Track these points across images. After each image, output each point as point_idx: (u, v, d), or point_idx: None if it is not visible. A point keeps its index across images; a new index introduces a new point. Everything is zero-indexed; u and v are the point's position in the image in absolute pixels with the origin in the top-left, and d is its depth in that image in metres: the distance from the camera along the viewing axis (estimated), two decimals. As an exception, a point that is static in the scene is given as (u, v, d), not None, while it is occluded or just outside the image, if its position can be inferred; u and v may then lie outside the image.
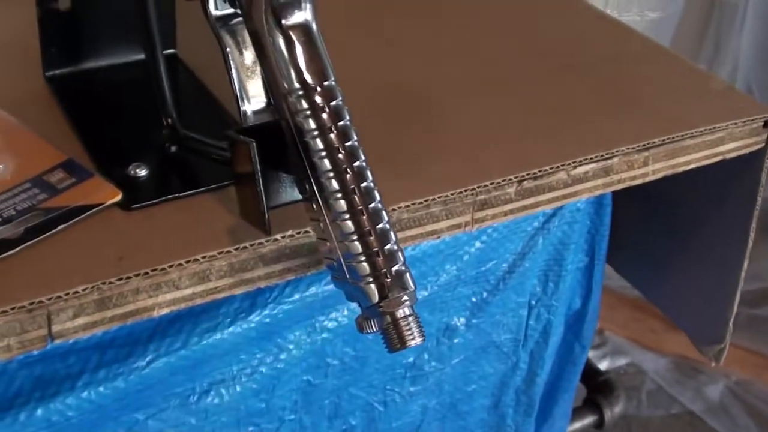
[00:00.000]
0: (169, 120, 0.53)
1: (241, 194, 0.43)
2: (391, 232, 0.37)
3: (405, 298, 0.36)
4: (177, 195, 0.50)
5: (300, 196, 0.41)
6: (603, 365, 1.55)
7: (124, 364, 0.52)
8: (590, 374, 0.89)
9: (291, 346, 0.57)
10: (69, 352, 0.51)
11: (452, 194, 0.51)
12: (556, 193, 0.55)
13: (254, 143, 0.39)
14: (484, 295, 0.65)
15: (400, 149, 0.55)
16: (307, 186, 0.38)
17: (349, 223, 0.36)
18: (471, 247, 0.62)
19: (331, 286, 0.56)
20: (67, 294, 0.44)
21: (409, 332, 0.36)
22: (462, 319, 0.65)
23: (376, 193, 0.37)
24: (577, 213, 0.67)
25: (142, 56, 0.60)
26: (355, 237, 0.36)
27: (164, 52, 0.54)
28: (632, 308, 1.56)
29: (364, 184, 0.37)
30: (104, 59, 0.60)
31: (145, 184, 0.50)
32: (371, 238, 0.36)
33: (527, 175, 0.54)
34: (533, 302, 0.68)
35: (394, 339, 0.36)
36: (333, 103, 0.37)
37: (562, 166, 0.55)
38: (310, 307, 0.57)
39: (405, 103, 0.61)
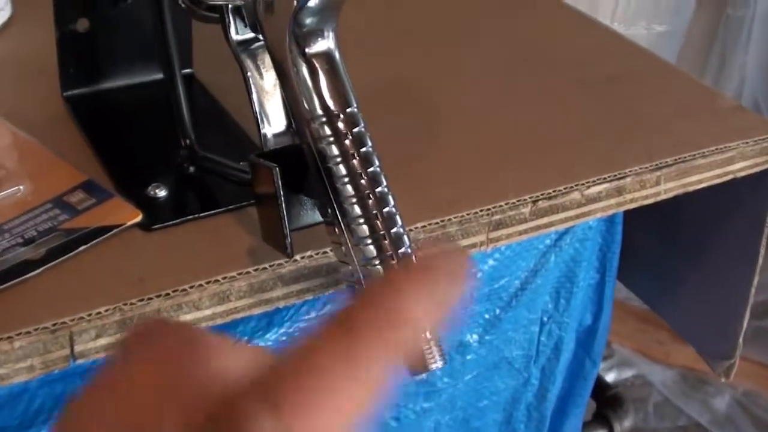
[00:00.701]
0: (187, 141, 0.54)
1: (262, 217, 0.43)
2: (414, 257, 0.37)
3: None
4: (196, 216, 0.50)
5: (320, 219, 0.42)
6: (610, 377, 1.56)
7: (142, 382, 0.52)
8: (600, 389, 0.89)
9: (306, 364, 0.58)
10: (88, 371, 0.52)
11: (468, 214, 0.52)
12: (569, 212, 0.55)
13: (277, 168, 0.40)
14: (497, 311, 0.65)
15: (415, 168, 0.55)
16: (329, 210, 0.39)
17: (372, 247, 0.37)
18: (484, 264, 0.63)
19: (347, 305, 0.57)
20: (90, 315, 0.45)
21: (431, 356, 0.36)
22: (475, 336, 0.65)
23: (398, 218, 0.38)
24: (589, 230, 0.67)
25: (159, 76, 0.61)
26: (377, 261, 0.37)
27: (181, 71, 0.54)
28: (639, 320, 1.57)
29: (386, 209, 0.37)
30: (121, 79, 0.61)
31: (165, 205, 0.51)
32: (394, 263, 0.37)
33: (542, 195, 0.54)
34: (545, 319, 0.69)
35: (416, 363, 0.36)
36: (355, 130, 0.38)
37: (576, 186, 0.55)
38: (326, 325, 0.57)
39: (417, 122, 0.61)
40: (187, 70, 0.61)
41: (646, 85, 0.69)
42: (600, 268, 0.70)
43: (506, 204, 0.53)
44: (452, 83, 0.67)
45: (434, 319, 0.25)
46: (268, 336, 0.55)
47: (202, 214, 0.50)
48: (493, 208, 0.53)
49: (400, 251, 0.37)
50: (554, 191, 0.55)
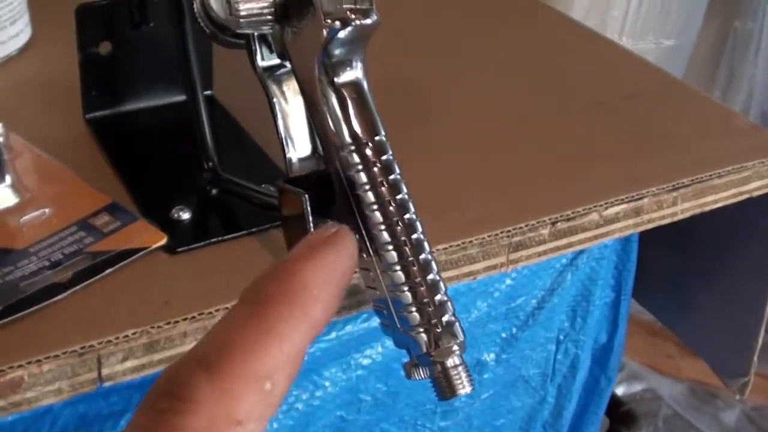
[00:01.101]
0: (210, 163, 0.54)
1: (290, 242, 0.44)
2: (441, 283, 0.38)
3: (455, 347, 0.37)
4: (220, 238, 0.51)
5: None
6: (619, 391, 1.56)
7: (165, 403, 0.53)
8: (612, 405, 0.89)
9: (327, 383, 0.58)
10: (111, 392, 0.52)
11: (489, 236, 0.52)
12: (588, 233, 0.56)
13: (306, 196, 0.40)
14: (514, 330, 0.66)
15: (433, 191, 0.56)
16: (357, 236, 0.39)
17: (400, 273, 0.37)
18: (502, 284, 0.63)
19: (366, 325, 0.58)
20: (117, 338, 0.45)
21: (459, 381, 0.37)
22: (492, 355, 0.66)
23: (426, 245, 0.38)
24: (605, 249, 0.68)
25: (180, 98, 0.61)
26: (406, 287, 0.37)
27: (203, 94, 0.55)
28: (648, 334, 1.57)
29: (414, 236, 0.38)
30: (143, 101, 0.61)
31: (189, 228, 0.52)
32: (422, 288, 0.37)
33: (560, 216, 0.55)
34: (561, 337, 0.69)
35: (444, 388, 0.37)
36: (384, 158, 0.38)
37: (594, 207, 0.56)
38: (346, 345, 0.58)
39: (431, 144, 0.62)
40: (208, 92, 0.62)
41: (661, 104, 0.69)
42: (615, 286, 0.71)
43: (526, 225, 0.54)
44: (464, 103, 0.67)
45: (328, 284, 0.33)
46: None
47: (225, 237, 0.51)
48: (513, 229, 0.53)
49: (428, 277, 0.37)
50: (573, 212, 0.55)
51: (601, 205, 0.56)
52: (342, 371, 0.59)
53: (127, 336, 0.45)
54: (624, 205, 0.57)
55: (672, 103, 0.70)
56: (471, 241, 0.52)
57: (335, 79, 0.39)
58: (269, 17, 0.42)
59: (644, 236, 0.70)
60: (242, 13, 0.42)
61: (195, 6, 0.50)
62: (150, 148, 0.59)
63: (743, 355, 0.74)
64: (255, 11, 0.42)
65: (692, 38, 1.55)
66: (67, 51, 0.68)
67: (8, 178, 0.52)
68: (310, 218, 0.40)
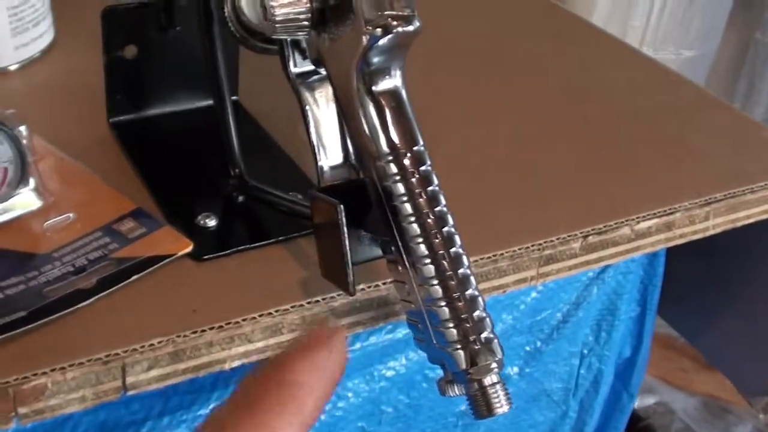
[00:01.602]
0: (237, 170, 0.53)
1: (323, 253, 0.43)
2: (480, 298, 0.37)
3: (494, 365, 0.36)
4: (247, 246, 0.50)
5: (379, 254, 0.41)
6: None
7: (188, 411, 0.52)
8: (631, 420, 0.88)
9: (350, 394, 0.58)
10: (133, 399, 0.51)
11: (519, 249, 0.52)
12: (619, 248, 0.55)
13: (341, 206, 0.39)
14: (538, 344, 0.65)
15: (463, 203, 0.54)
16: (392, 248, 0.38)
17: (438, 288, 0.37)
18: (527, 296, 0.62)
19: (391, 336, 0.57)
20: (143, 347, 0.44)
21: (497, 400, 0.36)
22: (515, 368, 0.65)
23: (465, 259, 0.37)
24: (632, 263, 0.67)
25: (205, 103, 0.61)
26: (443, 302, 0.36)
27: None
28: (662, 347, 1.56)
29: (453, 250, 0.37)
30: (168, 106, 0.61)
31: (215, 235, 0.51)
32: (460, 303, 0.36)
33: (592, 230, 0.54)
34: (585, 351, 0.68)
35: (482, 406, 0.36)
36: (422, 168, 0.38)
37: (626, 221, 0.55)
38: (370, 356, 0.57)
39: (461, 156, 0.61)
40: (234, 97, 0.61)
41: (692, 117, 0.68)
42: (641, 300, 0.70)
43: (557, 239, 0.53)
44: (492, 115, 0.66)
45: (320, 383, 0.34)
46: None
47: (252, 245, 0.50)
48: (544, 242, 0.52)
49: (466, 292, 0.37)
50: (604, 226, 0.54)
51: (633, 219, 0.55)
52: (365, 382, 0.58)
53: (152, 345, 0.44)
54: (656, 220, 0.56)
55: (702, 115, 0.69)
56: (501, 254, 0.51)
57: (373, 88, 0.38)
58: (306, 23, 0.41)
59: (670, 250, 0.69)
60: (278, 19, 0.41)
61: (225, 10, 0.50)
62: (175, 154, 0.58)
63: (766, 371, 0.73)
64: (291, 17, 0.41)
65: (712, 49, 1.53)
66: (90, 53, 0.67)
67: (32, 182, 0.51)
68: (345, 229, 0.39)
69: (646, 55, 0.80)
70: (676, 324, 0.79)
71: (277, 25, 0.41)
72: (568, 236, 0.53)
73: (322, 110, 0.46)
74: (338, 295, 0.47)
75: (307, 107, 0.46)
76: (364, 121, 0.38)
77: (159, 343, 0.44)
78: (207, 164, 0.56)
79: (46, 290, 0.46)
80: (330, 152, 0.45)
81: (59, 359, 0.43)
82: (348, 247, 0.40)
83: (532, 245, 0.52)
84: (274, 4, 0.41)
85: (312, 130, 0.45)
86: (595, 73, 0.74)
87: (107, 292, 0.47)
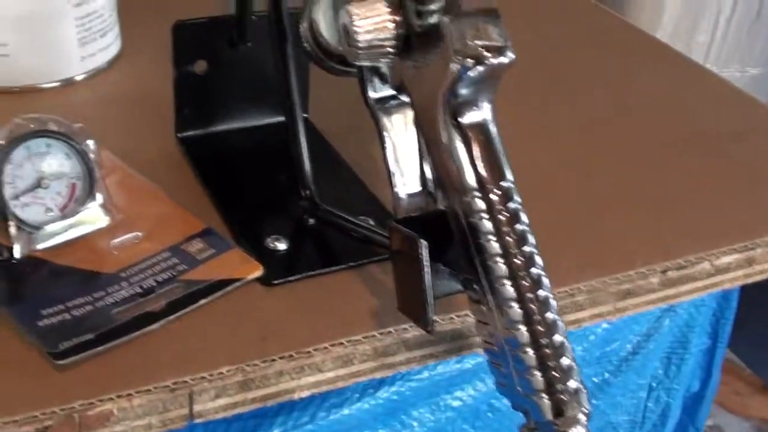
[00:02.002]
0: (307, 191, 0.52)
1: (400, 286, 0.41)
2: (567, 345, 0.36)
3: (581, 417, 0.34)
4: (318, 272, 0.49)
5: (459, 288, 0.40)
6: (686, 427, 1.52)
7: (251, 437, 0.51)
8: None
9: (414, 424, 0.56)
10: (196, 424, 0.50)
11: (596, 283, 0.50)
12: (698, 283, 0.53)
13: (423, 241, 0.38)
14: (606, 376, 0.63)
15: (542, 234, 0.53)
16: (475, 286, 0.37)
17: (525, 332, 0.35)
18: (597, 327, 0.60)
19: (459, 366, 0.55)
20: (212, 375, 0.43)
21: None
22: (582, 400, 0.63)
23: (553, 302, 0.36)
24: (706, 296, 0.64)
25: (274, 119, 0.60)
26: (529, 348, 0.35)
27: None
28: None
29: (541, 293, 0.35)
30: (236, 122, 0.60)
31: (285, 259, 0.50)
32: (547, 351, 0.35)
33: (671, 265, 0.52)
34: (654, 384, 0.66)
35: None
36: (511, 205, 0.36)
37: (706, 256, 0.53)
38: (437, 385, 0.55)
39: (530, 186, 0.59)
40: (304, 115, 0.60)
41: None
42: (712, 333, 0.68)
43: (635, 273, 0.51)
44: (557, 139, 0.64)
45: None
46: (379, 394, 0.53)
47: (323, 270, 0.49)
48: (622, 277, 0.51)
49: (554, 338, 0.35)
50: (685, 261, 0.52)
51: (713, 254, 0.53)
52: (431, 412, 0.56)
53: (221, 373, 0.43)
54: (736, 255, 0.54)
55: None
56: (579, 288, 0.49)
57: (460, 119, 0.37)
58: (391, 50, 0.40)
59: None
60: (362, 45, 0.40)
61: (301, 29, 0.49)
62: (243, 171, 0.57)
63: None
64: (375, 43, 0.40)
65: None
66: (156, 66, 0.66)
67: (100, 198, 0.51)
68: (425, 265, 0.38)
69: (716, 75, 0.78)
70: (745, 357, 0.76)
71: (360, 52, 0.40)
72: (647, 271, 0.51)
73: (401, 136, 0.44)
74: (411, 326, 0.46)
75: (385, 133, 0.44)
76: (449, 153, 0.37)
77: (228, 371, 0.43)
78: (276, 183, 0.55)
79: (113, 312, 0.45)
80: (407, 180, 0.44)
81: (126, 385, 0.43)
82: (428, 284, 0.38)
83: (610, 279, 0.50)
84: (357, 29, 0.40)
85: (389, 156, 0.44)
86: (664, 95, 0.72)
87: (176, 315, 0.46)
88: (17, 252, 0.48)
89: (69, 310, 0.45)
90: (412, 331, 0.46)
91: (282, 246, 0.50)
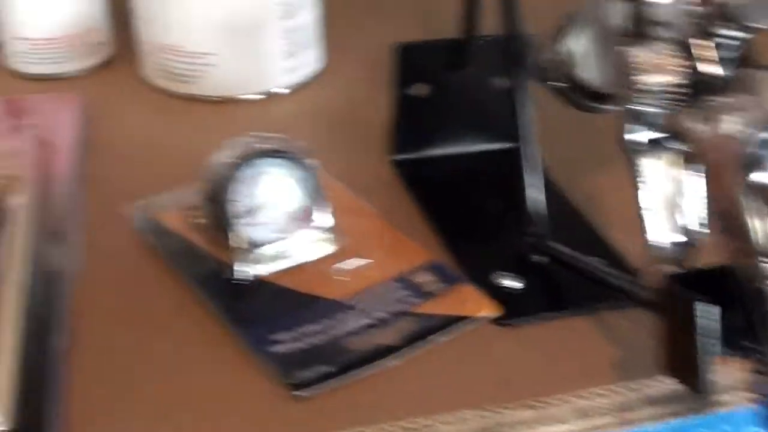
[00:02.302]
0: (535, 227, 0.50)
1: (667, 343, 0.39)
2: None
3: None
4: (554, 314, 0.47)
5: (734, 353, 0.37)
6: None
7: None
8: None
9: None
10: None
11: None
12: None
13: (699, 305, 0.36)
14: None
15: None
16: (759, 357, 0.35)
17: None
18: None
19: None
20: (449, 418, 0.42)
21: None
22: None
23: None
24: None
25: (492, 146, 0.58)
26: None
27: (514, 145, 0.51)
28: None
29: None
30: (454, 147, 0.58)
31: (518, 298, 0.48)
32: None
33: None
34: None
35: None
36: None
37: None
38: None
39: None
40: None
41: None
42: None
43: None
44: None
45: None
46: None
47: (559, 313, 0.47)
48: None
49: None
50: None
51: None
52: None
53: (461, 417, 0.42)
54: None
55: None
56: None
57: (759, 179, 0.34)
58: (675, 97, 0.38)
59: None
60: (642, 89, 0.38)
61: (546, 58, 0.47)
62: (460, 199, 0.56)
63: None
64: (658, 88, 0.38)
65: None
66: (358, 83, 0.66)
67: (326, 219, 0.50)
68: (704, 329, 0.36)
69: None
70: None
71: (638, 95, 0.38)
72: None
73: (658, 183, 0.42)
74: (655, 380, 0.44)
75: (641, 176, 0.42)
76: (742, 214, 0.35)
77: (468, 415, 0.42)
78: (499, 215, 0.54)
79: (348, 342, 0.44)
80: (662, 227, 0.42)
81: (358, 420, 0.41)
82: (703, 349, 0.36)
83: None
84: (639, 71, 0.38)
85: (644, 201, 0.42)
86: None
87: (411, 350, 0.45)
88: (241, 272, 0.47)
89: (301, 337, 0.45)
90: (656, 386, 0.44)
91: (512, 283, 0.49)
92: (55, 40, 0.69)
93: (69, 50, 0.70)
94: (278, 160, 0.48)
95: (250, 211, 0.48)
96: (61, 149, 0.58)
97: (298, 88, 0.69)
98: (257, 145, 0.48)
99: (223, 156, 0.48)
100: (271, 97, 0.68)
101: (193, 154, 0.60)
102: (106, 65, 0.73)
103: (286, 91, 0.68)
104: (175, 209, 0.52)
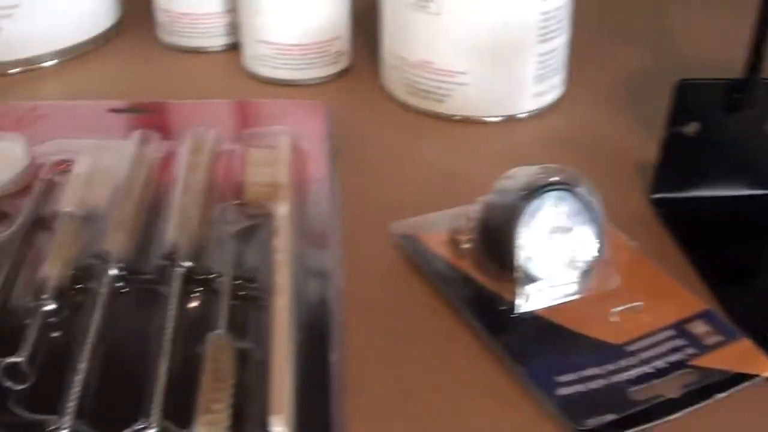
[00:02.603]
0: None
1: None
2: None
3: None
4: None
5: None
6: None
7: None
8: None
9: None
10: None
11: None
12: None
13: None
14: None
15: None
16: None
17: None
18: None
19: None
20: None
21: None
22: None
23: None
24: None
25: (761, 191, 0.55)
26: None
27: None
28: None
29: None
30: (720, 189, 0.56)
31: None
32: None
33: None
34: None
35: None
36: None
37: None
38: None
39: None
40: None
41: None
42: None
43: None
44: None
45: None
46: None
47: None
48: None
49: None
50: None
51: None
52: None
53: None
54: None
55: None
56: None
57: None
58: None
59: None
60: None
61: None
62: (728, 245, 0.53)
63: None
64: None
65: None
66: (598, 113, 0.65)
67: (605, 255, 0.48)
68: None
69: None
70: None
71: None
72: None
73: None
74: None
75: None
76: None
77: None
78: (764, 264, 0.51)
79: (629, 391, 0.42)
80: None
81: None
82: None
83: None
84: None
85: None
86: None
87: (694, 407, 0.42)
88: (521, 305, 0.46)
89: (584, 381, 0.43)
90: None
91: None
92: (300, 46, 0.69)
93: (311, 58, 0.70)
94: (564, 193, 0.46)
95: (535, 245, 0.46)
96: (314, 157, 0.58)
97: (538, 114, 0.67)
98: (542, 176, 0.46)
99: (505, 184, 0.46)
100: (511, 121, 0.66)
101: (445, 174, 0.59)
102: (343, 75, 0.73)
103: (524, 116, 0.67)
104: (438, 231, 0.51)
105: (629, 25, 0.84)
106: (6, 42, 0.72)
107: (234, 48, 0.76)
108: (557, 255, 0.46)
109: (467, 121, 0.66)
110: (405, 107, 0.67)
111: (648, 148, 0.61)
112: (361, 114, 0.67)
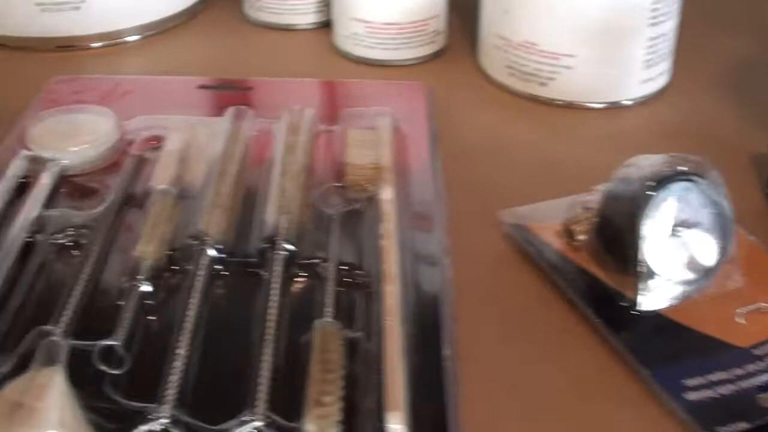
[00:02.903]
0: None
1: None
2: None
3: None
4: None
5: None
6: None
7: None
8: None
9: None
10: None
11: None
12: None
13: None
14: None
15: None
16: None
17: None
18: None
19: None
20: None
21: None
22: None
23: None
24: None
25: None
26: None
27: None
28: None
29: None
30: None
31: None
32: None
33: None
34: None
35: None
36: None
37: None
38: None
39: None
40: None
41: None
42: None
43: None
44: None
45: None
46: None
47: None
48: None
49: None
50: None
51: None
52: None
53: None
54: None
55: None
56: None
57: None
58: None
59: None
60: None
61: None
62: None
63: None
64: None
65: None
66: (704, 103, 0.62)
67: (733, 252, 0.45)
68: None
69: None
70: None
71: None
72: None
73: None
74: None
75: None
76: None
77: None
78: None
79: (759, 398, 0.40)
80: None
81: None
82: None
83: None
84: None
85: None
86: None
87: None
88: (644, 303, 0.43)
89: (711, 385, 0.40)
90: None
91: None
92: (396, 25, 0.67)
93: (408, 37, 0.67)
94: (691, 185, 0.43)
95: (660, 240, 0.43)
96: (415, 140, 0.55)
97: (643, 101, 0.64)
98: (668, 165, 0.43)
99: (627, 172, 0.44)
100: (615, 108, 0.63)
101: (550, 161, 0.56)
102: (439, 55, 0.70)
103: (630, 103, 0.64)
104: (549, 221, 0.48)
105: (735, 12, 0.80)
106: (87, 15, 0.71)
107: (323, 26, 0.74)
108: (681, 251, 0.43)
109: (570, 107, 0.63)
110: (504, 89, 0.65)
111: (760, 139, 0.58)
112: (459, 96, 0.65)
